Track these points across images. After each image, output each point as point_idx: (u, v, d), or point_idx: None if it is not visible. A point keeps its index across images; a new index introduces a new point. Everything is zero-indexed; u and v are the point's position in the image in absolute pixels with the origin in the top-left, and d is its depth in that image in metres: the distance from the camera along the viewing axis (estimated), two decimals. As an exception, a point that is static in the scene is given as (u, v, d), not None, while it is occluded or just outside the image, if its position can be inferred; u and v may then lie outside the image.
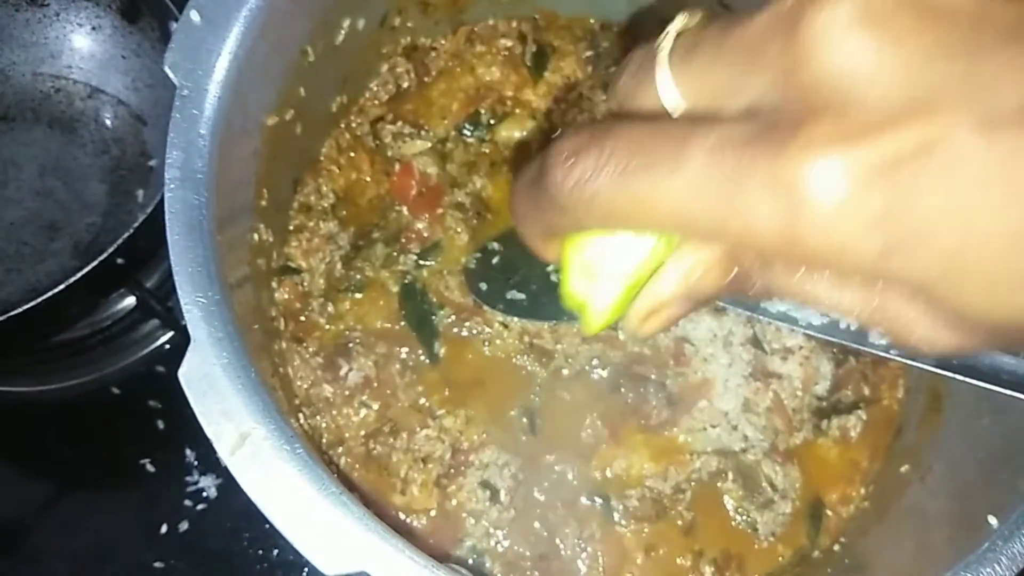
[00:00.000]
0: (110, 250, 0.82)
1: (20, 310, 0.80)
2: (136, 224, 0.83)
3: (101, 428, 1.08)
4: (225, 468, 1.02)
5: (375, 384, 0.87)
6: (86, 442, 1.08)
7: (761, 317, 0.82)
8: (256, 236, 0.80)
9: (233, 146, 0.71)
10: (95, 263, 0.81)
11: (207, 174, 0.65)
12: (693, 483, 0.86)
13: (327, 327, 0.89)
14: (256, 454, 0.58)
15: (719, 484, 0.86)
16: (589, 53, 1.03)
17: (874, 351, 0.76)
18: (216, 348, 0.60)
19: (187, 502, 1.04)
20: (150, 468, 1.05)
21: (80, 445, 1.08)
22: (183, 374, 0.59)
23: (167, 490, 1.04)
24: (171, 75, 0.66)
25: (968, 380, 0.74)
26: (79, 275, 0.80)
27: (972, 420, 0.83)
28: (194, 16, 0.68)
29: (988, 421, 0.80)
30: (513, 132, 0.99)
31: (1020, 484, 0.66)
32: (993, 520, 0.64)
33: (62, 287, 0.80)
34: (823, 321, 0.79)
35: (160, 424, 1.07)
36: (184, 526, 1.02)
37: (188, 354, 0.59)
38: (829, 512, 0.88)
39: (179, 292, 0.61)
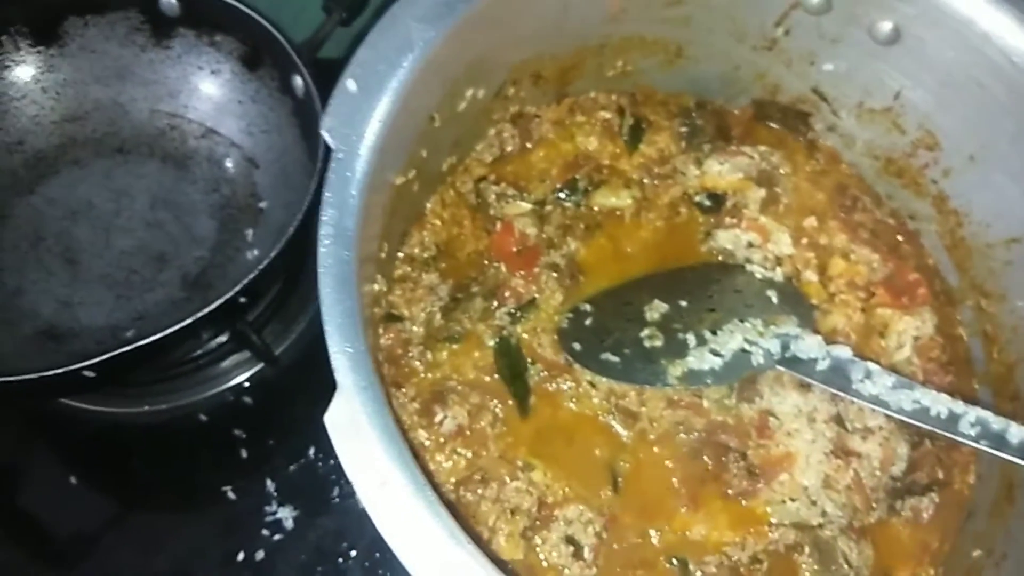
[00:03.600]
0: (236, 288, 0.86)
1: (146, 342, 0.84)
2: (262, 267, 0.87)
3: (186, 453, 1.12)
4: (303, 500, 1.09)
5: (468, 433, 0.90)
6: (170, 465, 1.12)
7: (852, 398, 0.86)
8: (375, 286, 0.85)
9: (372, 204, 0.76)
10: (222, 300, 0.85)
11: (355, 231, 0.70)
12: (770, 554, 0.88)
13: (425, 375, 0.93)
14: (395, 500, 0.61)
15: (795, 556, 0.88)
16: (684, 129, 1.08)
17: (964, 440, 0.81)
18: (361, 396, 0.64)
19: (264, 531, 1.07)
20: (231, 495, 1.09)
21: (164, 468, 1.12)
22: (330, 419, 0.63)
23: (246, 518, 1.08)
24: (328, 139, 0.72)
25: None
26: (206, 311, 0.85)
27: (1048, 514, 0.86)
28: (351, 85, 0.74)
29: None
30: (608, 199, 1.04)
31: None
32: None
33: (189, 321, 0.84)
34: (915, 407, 0.83)
35: (244, 453, 1.11)
36: (260, 555, 1.06)
37: (335, 400, 0.64)
38: (899, 592, 0.90)
39: (328, 342, 0.65)
